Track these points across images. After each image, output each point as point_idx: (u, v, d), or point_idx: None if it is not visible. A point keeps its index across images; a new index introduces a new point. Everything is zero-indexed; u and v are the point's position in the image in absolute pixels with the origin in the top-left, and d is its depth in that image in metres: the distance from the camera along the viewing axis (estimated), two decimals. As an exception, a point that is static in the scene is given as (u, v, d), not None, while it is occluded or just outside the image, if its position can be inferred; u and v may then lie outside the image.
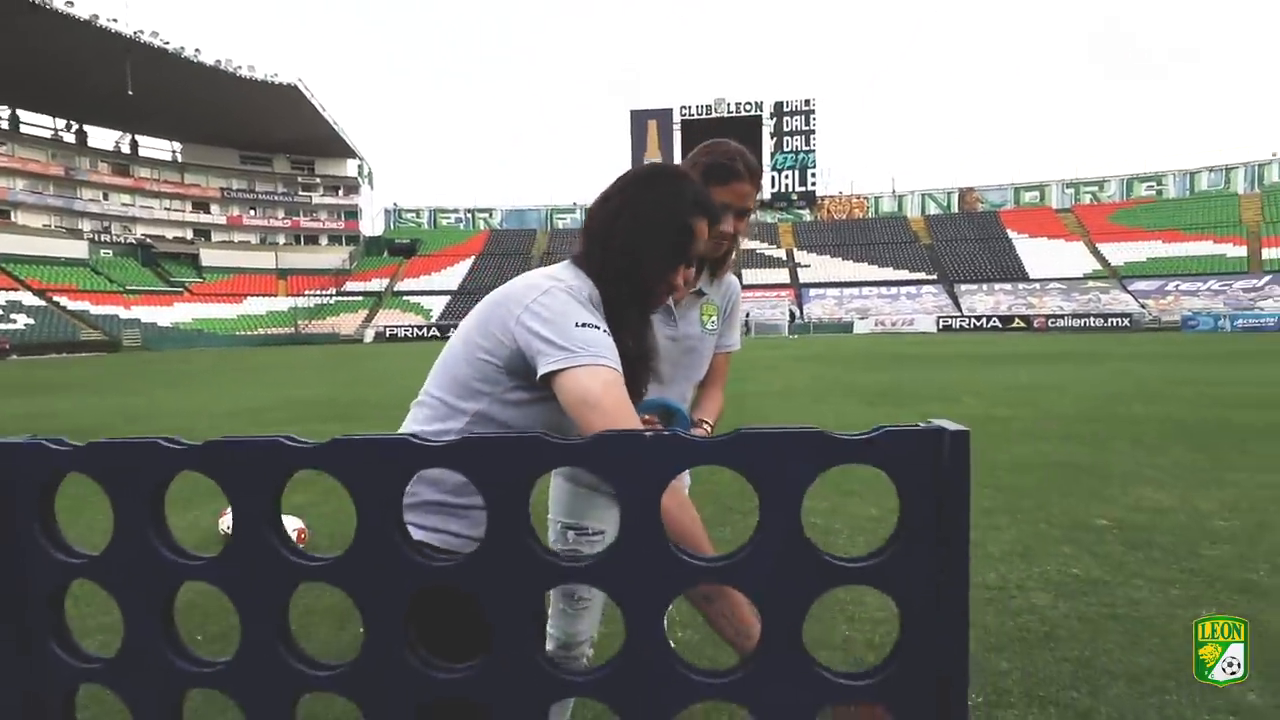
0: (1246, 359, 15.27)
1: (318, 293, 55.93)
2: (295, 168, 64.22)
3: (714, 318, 1.69)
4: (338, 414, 9.21)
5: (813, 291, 50.89)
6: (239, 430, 7.03)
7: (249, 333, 47.43)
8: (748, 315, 40.98)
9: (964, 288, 48.57)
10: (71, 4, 40.90)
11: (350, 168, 65.64)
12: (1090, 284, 46.30)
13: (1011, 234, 54.21)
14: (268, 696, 0.81)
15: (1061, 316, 40.93)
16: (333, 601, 2.99)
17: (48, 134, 53.41)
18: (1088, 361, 15.61)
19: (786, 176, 61.14)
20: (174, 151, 59.78)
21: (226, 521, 3.83)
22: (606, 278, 1.18)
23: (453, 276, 56.99)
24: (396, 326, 48.43)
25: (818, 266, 54.49)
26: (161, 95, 48.52)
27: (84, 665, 0.83)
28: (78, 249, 50.15)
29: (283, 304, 53.58)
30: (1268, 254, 44.44)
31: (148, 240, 55.28)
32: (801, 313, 46.72)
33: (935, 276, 50.74)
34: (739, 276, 1.84)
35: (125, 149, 57.36)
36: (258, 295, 54.43)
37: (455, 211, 67.36)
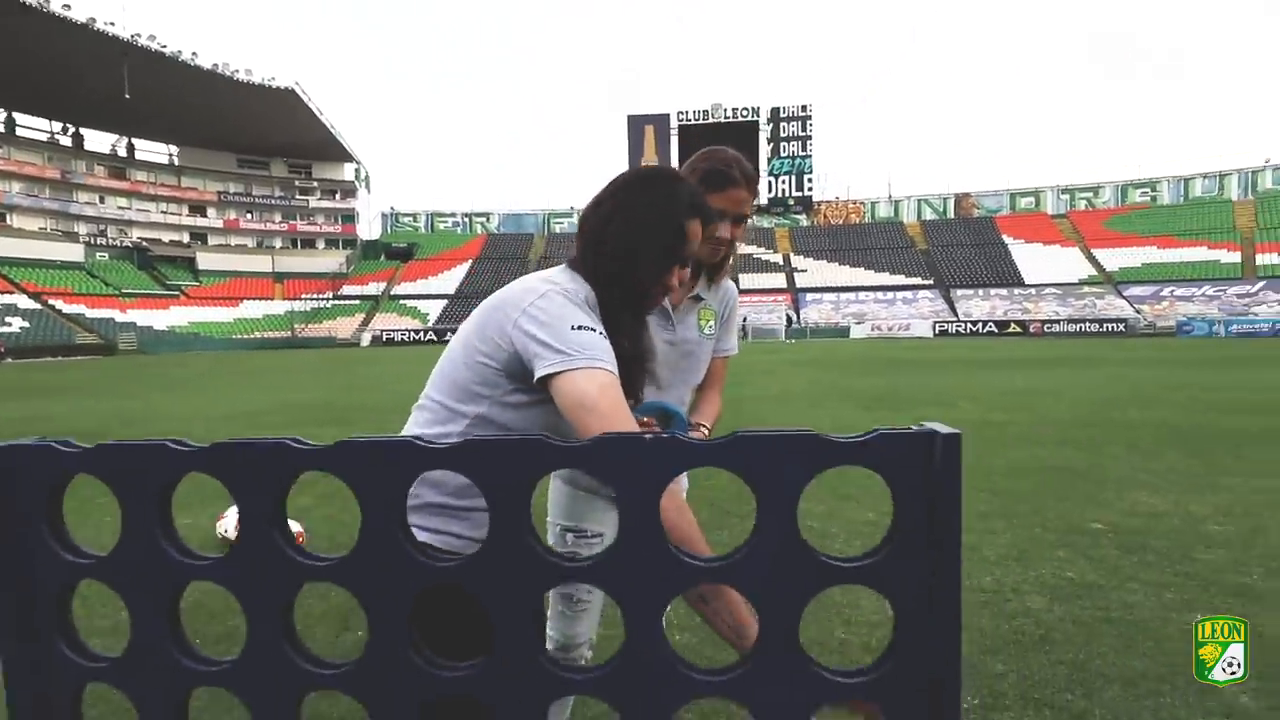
0: (1240, 364, 15.34)
1: (314, 296, 55.82)
2: (292, 171, 64.15)
3: (711, 323, 1.71)
4: (334, 418, 9.20)
5: (809, 296, 50.98)
6: (235, 434, 7.02)
7: (245, 336, 47.30)
8: (745, 320, 41.03)
9: (960, 293, 48.72)
10: (68, 7, 40.88)
11: (347, 171, 65.60)
12: (1086, 289, 46.48)
13: (1007, 239, 54.39)
14: (274, 695, 0.82)
15: (1057, 321, 41.08)
16: (331, 606, 2.99)
17: (44, 137, 53.30)
18: (1083, 366, 15.67)
19: (783, 182, 61.23)
20: (170, 155, 59.69)
21: (223, 525, 3.83)
22: (601, 280, 1.20)
23: (450, 280, 56.94)
24: (393, 330, 48.35)
25: (814, 271, 54.59)
26: (158, 99, 48.48)
27: (91, 664, 0.84)
28: (73, 252, 50.00)
29: (279, 308, 53.46)
30: (1261, 260, 44.69)
31: (144, 243, 55.14)
32: (798, 317, 46.81)
33: (931, 281, 50.88)
34: (736, 281, 1.86)
35: (122, 152, 57.29)
36: (254, 299, 54.32)
37: (452, 215, 67.35)
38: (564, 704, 1.69)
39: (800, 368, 17.26)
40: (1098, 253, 50.13)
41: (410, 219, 67.19)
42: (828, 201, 62.84)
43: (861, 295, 50.29)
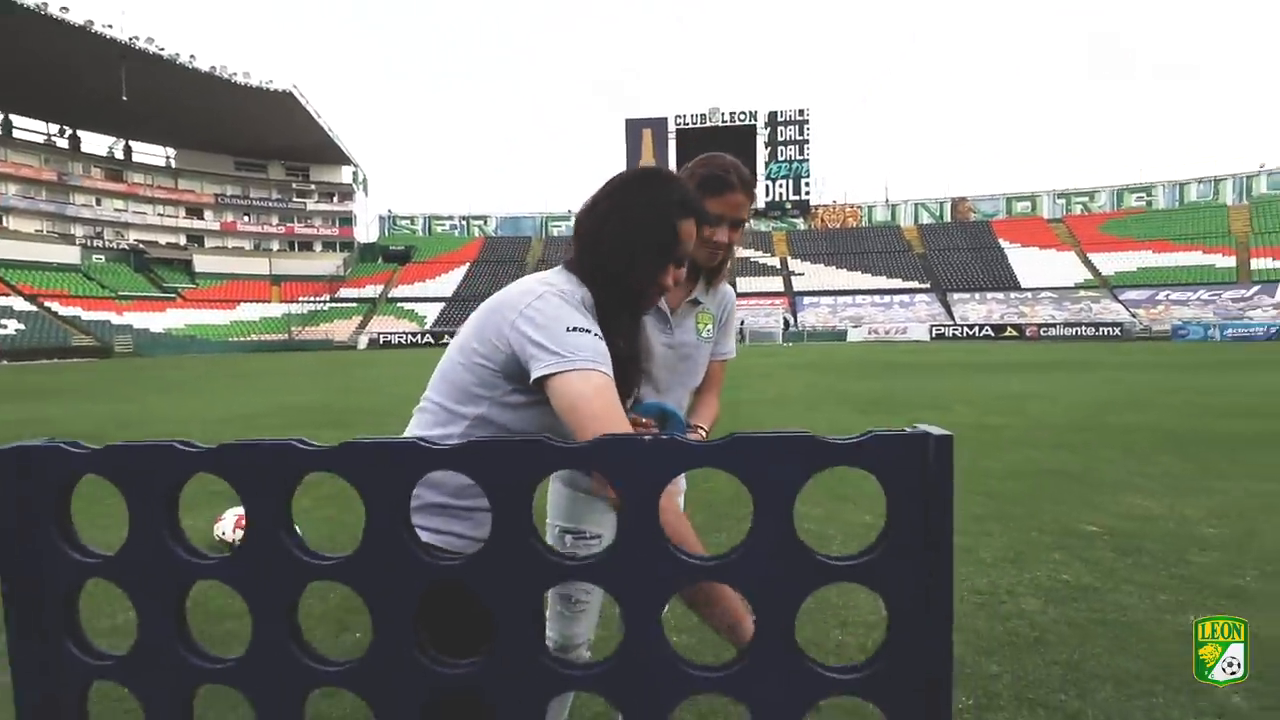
0: (1235, 368, 15.42)
1: (311, 299, 55.76)
2: (290, 174, 64.12)
3: (709, 326, 1.73)
4: (331, 420, 9.19)
5: (807, 300, 51.08)
6: (233, 437, 7.01)
7: (242, 339, 47.21)
8: (742, 323, 41.06)
9: (956, 296, 48.85)
10: (66, 9, 40.85)
11: (345, 174, 65.58)
12: (1081, 293, 46.66)
13: (1004, 243, 54.57)
14: (278, 693, 0.84)
15: (1053, 325, 41.21)
16: (330, 607, 3.00)
17: (41, 139, 53.21)
18: (1079, 370, 15.72)
19: (780, 185, 61.42)
20: (168, 157, 59.61)
21: (220, 527, 3.83)
22: (598, 281, 1.21)
23: (447, 283, 56.92)
24: (390, 333, 48.31)
25: (812, 275, 54.70)
26: (156, 101, 48.45)
27: (98, 663, 0.86)
28: (70, 254, 49.88)
29: (276, 310, 53.39)
30: (1256, 264, 44.91)
31: (141, 246, 55.03)
32: (795, 321, 46.88)
33: (928, 285, 51.01)
34: (733, 285, 1.87)
35: (119, 154, 57.20)
36: (251, 301, 54.23)
37: (450, 218, 67.37)
38: (563, 703, 1.71)
39: (797, 371, 17.29)
40: (1093, 257, 50.32)
41: (408, 222, 67.19)
42: (825, 205, 63.01)
43: (858, 299, 50.39)
